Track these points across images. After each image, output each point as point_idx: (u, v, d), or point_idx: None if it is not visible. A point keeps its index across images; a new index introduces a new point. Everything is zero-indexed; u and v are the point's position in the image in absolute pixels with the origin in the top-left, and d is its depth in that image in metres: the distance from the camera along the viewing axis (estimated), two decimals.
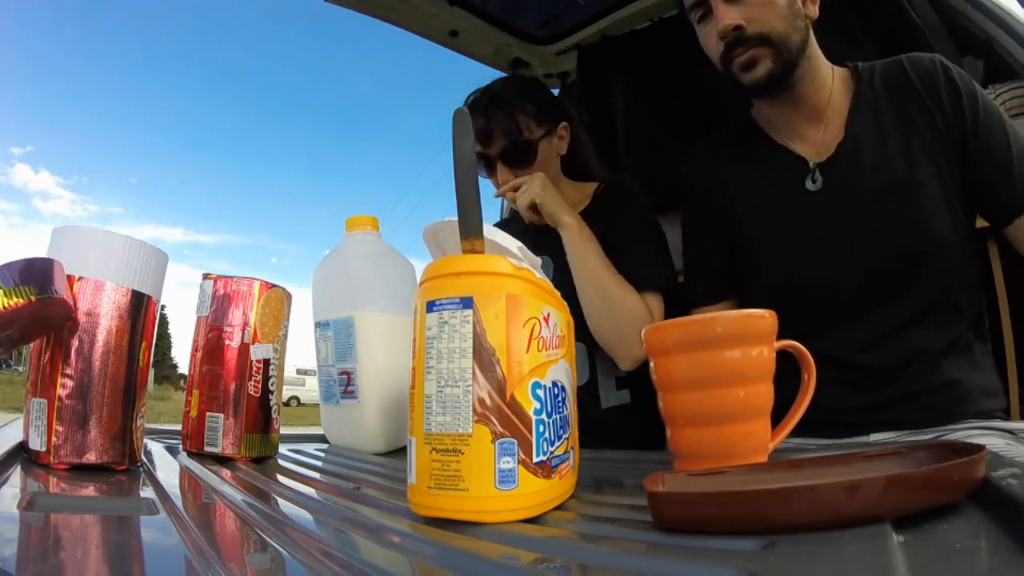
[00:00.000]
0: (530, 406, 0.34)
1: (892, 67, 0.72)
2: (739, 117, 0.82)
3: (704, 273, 0.81)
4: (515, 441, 0.33)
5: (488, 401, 0.32)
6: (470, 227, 0.35)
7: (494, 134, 0.93)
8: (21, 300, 0.42)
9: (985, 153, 0.66)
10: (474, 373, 0.32)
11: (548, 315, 0.36)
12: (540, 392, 0.34)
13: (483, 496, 0.32)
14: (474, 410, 0.32)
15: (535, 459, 0.33)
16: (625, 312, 0.84)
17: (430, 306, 0.34)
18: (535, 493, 0.33)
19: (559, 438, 0.36)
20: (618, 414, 1.01)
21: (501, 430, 0.32)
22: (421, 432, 0.33)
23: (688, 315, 0.61)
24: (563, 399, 0.37)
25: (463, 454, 0.32)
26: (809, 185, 0.70)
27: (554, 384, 0.36)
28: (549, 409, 0.35)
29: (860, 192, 0.68)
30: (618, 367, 0.98)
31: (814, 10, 0.70)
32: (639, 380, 1.01)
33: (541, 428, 0.34)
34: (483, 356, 0.33)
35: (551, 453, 0.35)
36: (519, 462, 0.33)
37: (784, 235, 0.73)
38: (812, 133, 0.73)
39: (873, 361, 0.68)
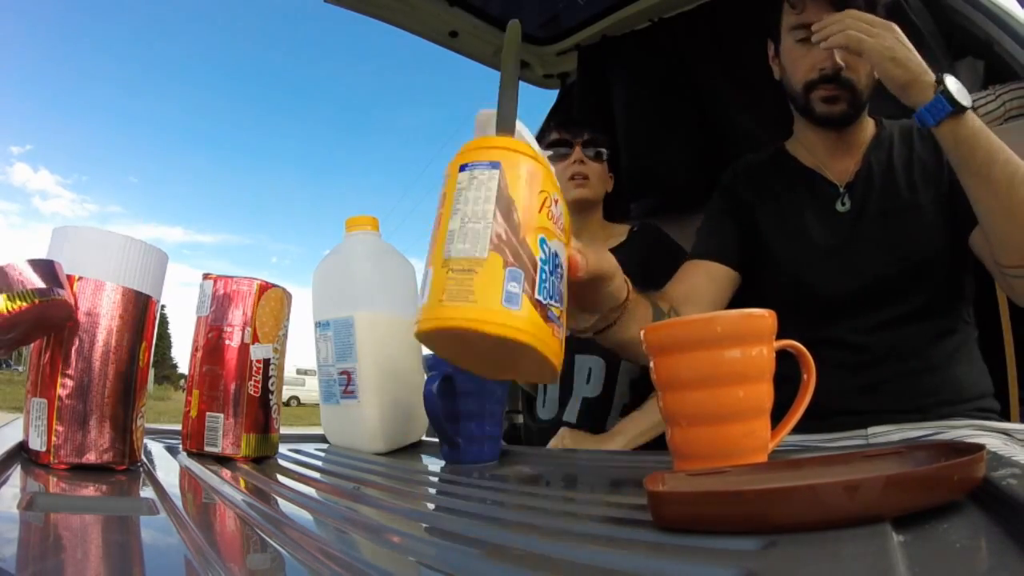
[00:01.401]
0: (537, 252, 0.37)
1: (908, 121, 0.82)
2: (773, 146, 0.93)
3: (712, 235, 0.89)
4: (522, 272, 0.36)
5: (503, 236, 0.36)
6: (505, 120, 0.41)
7: (585, 126, 1.14)
8: (25, 303, 0.42)
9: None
10: (495, 214, 0.36)
11: (557, 200, 0.40)
12: (545, 248, 0.38)
13: (490, 309, 0.34)
14: (491, 241, 0.36)
15: (536, 295, 0.36)
16: None
17: (463, 167, 0.38)
18: (534, 323, 0.36)
19: (553, 299, 0.39)
20: None
21: (512, 260, 0.36)
22: (440, 259, 0.36)
23: (684, 268, 0.77)
24: (560, 273, 0.40)
25: (476, 273, 0.35)
26: (839, 207, 0.81)
27: (555, 254, 0.39)
28: (550, 268, 0.38)
29: (871, 211, 0.78)
30: (626, 397, 1.04)
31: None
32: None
33: (543, 276, 0.37)
34: (503, 203, 0.37)
35: (548, 305, 0.37)
36: (523, 291, 0.36)
37: (805, 244, 0.81)
38: (840, 163, 0.84)
39: (870, 342, 0.76)
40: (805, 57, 0.79)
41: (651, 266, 0.99)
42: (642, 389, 1.04)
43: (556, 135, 1.14)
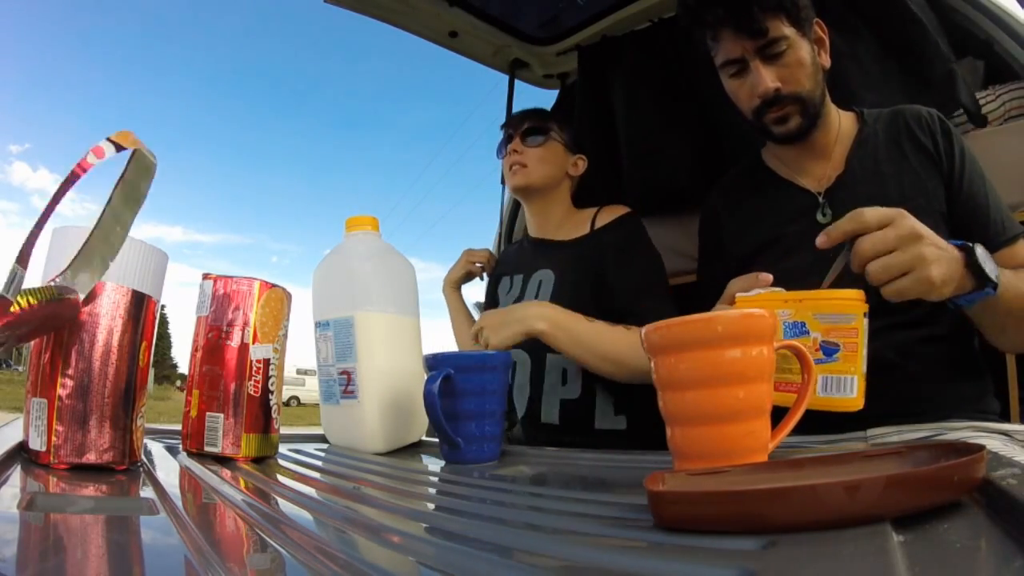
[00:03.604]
0: None
1: (893, 115, 0.80)
2: (749, 156, 0.93)
3: (714, 292, 0.88)
4: None
5: None
6: None
7: (526, 116, 1.11)
8: (45, 299, 0.42)
9: (969, 201, 0.74)
10: None
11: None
12: None
13: None
14: None
15: None
16: (634, 355, 0.87)
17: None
18: None
19: None
20: (611, 436, 1.00)
21: None
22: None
23: None
24: None
25: None
26: (820, 218, 0.78)
27: None
28: None
29: None
30: (612, 397, 1.00)
31: (827, 60, 0.80)
32: (638, 408, 0.99)
33: None
34: None
35: None
36: None
37: (791, 263, 0.78)
38: (816, 168, 0.82)
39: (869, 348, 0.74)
40: (741, 88, 0.80)
41: (617, 258, 0.99)
42: (621, 387, 0.97)
43: (502, 133, 1.13)
